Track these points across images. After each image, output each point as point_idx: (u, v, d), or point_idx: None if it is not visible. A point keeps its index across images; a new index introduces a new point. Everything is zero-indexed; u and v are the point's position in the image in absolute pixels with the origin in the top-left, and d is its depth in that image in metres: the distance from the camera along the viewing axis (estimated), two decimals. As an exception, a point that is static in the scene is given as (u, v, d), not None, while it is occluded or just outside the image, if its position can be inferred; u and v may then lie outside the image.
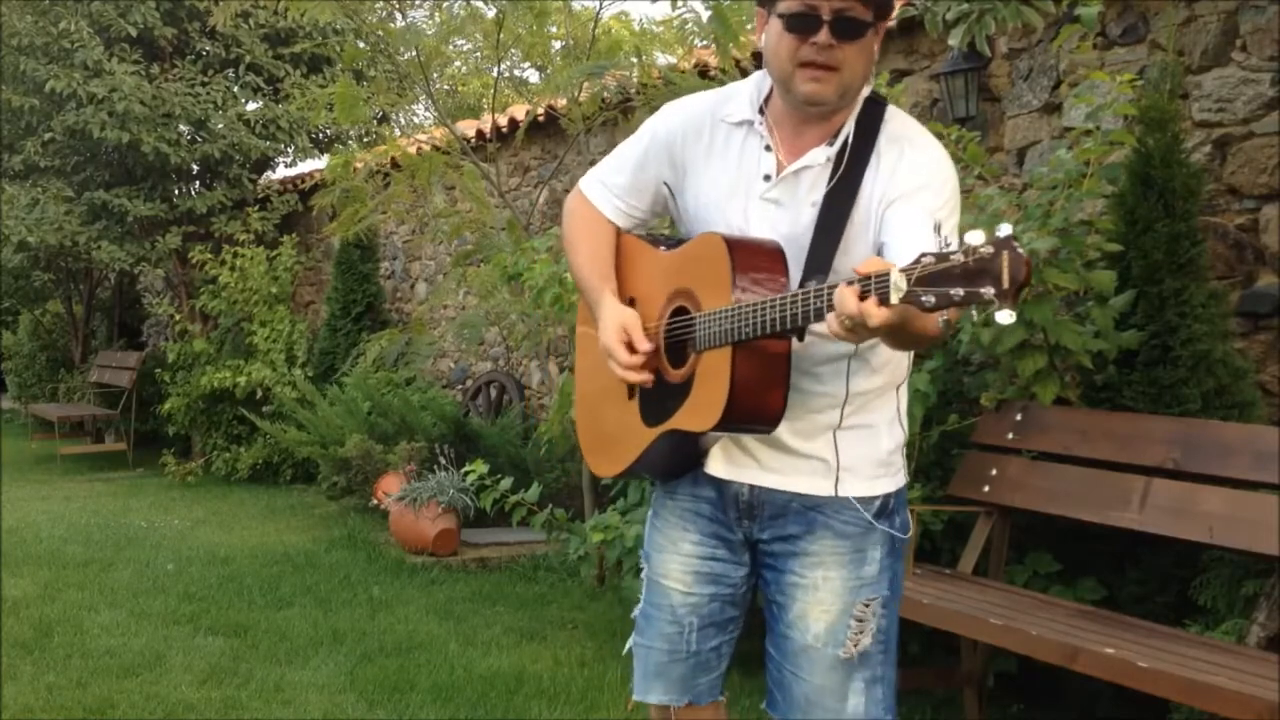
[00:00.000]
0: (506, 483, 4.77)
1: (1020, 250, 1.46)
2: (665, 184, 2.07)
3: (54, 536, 6.74)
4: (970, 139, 3.80)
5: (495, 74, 7.64)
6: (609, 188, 2.13)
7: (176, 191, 9.90)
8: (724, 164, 1.98)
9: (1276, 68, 3.64)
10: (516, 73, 12.88)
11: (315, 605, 5.14)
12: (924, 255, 1.51)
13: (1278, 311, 3.65)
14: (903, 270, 1.51)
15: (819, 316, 1.65)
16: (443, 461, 6.23)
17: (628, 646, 2.18)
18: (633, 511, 4.42)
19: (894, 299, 1.51)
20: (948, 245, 1.51)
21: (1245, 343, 3.68)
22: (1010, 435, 3.56)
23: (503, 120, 7.22)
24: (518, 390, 7.59)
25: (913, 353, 2.07)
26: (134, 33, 9.20)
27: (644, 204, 2.11)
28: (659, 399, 2.00)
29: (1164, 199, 3.40)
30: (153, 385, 10.45)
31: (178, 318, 10.03)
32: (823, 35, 1.80)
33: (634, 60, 5.74)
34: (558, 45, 6.59)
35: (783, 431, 1.92)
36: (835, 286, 1.60)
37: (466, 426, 6.96)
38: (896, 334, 1.62)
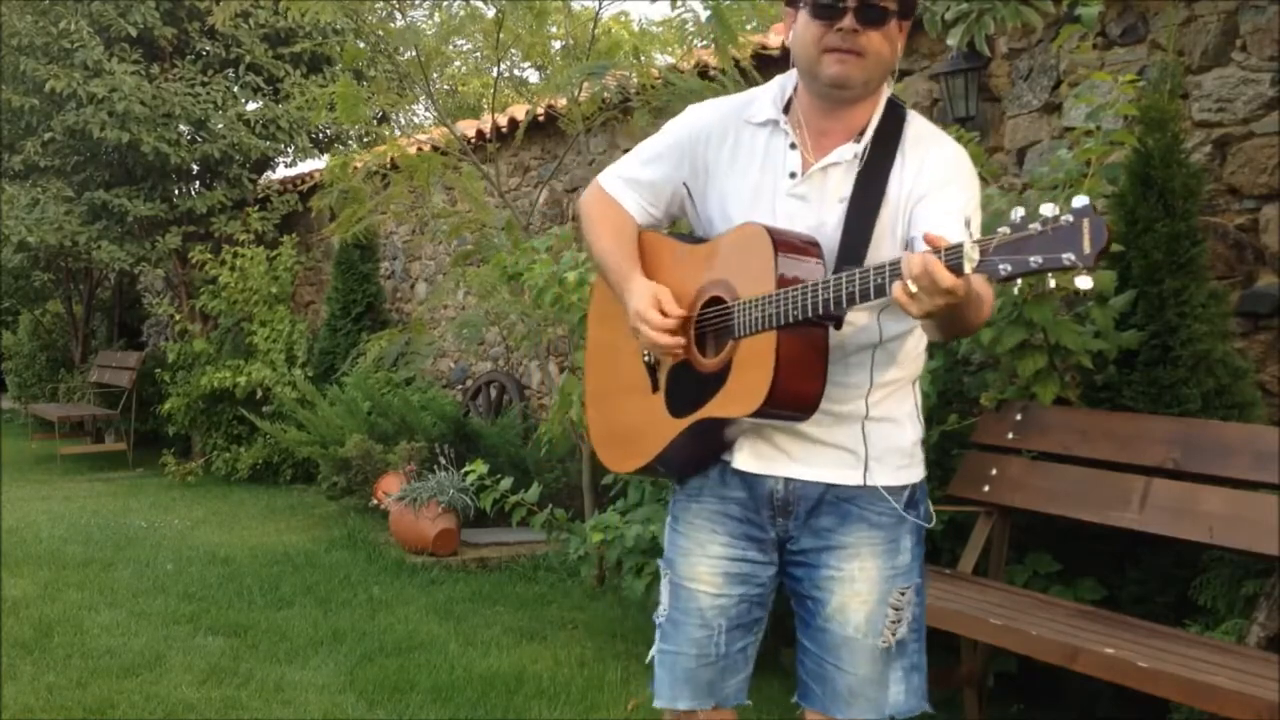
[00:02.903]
0: (506, 483, 4.77)
1: (1100, 218, 1.48)
2: (685, 185, 2.08)
3: (54, 536, 6.74)
4: (970, 139, 3.79)
5: (495, 74, 7.64)
6: (629, 184, 2.13)
7: (176, 191, 9.89)
8: (749, 163, 2.00)
9: (1276, 68, 3.64)
10: (516, 73, 12.89)
11: (315, 605, 5.14)
12: (1000, 228, 1.54)
13: (1278, 311, 3.66)
14: (975, 241, 1.54)
15: (880, 292, 1.68)
16: (443, 461, 6.23)
17: (650, 655, 2.15)
18: (632, 511, 4.41)
19: (967, 269, 1.54)
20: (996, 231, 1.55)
21: (1245, 343, 3.68)
22: (1010, 435, 3.56)
23: (502, 120, 7.22)
24: (518, 390, 7.59)
25: (925, 350, 2.11)
26: (134, 33, 9.20)
27: (662, 204, 2.13)
28: (689, 390, 2.01)
29: (1164, 199, 3.40)
30: (153, 385, 10.45)
31: (178, 318, 10.03)
32: (848, 20, 1.85)
33: (634, 60, 5.74)
34: (557, 45, 6.59)
35: (811, 422, 1.94)
36: (898, 261, 1.63)
37: (466, 426, 6.96)
38: (956, 311, 1.65)
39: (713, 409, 1.96)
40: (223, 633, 4.70)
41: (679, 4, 5.21)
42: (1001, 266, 1.53)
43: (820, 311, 1.78)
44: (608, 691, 3.92)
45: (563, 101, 6.21)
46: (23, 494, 8.56)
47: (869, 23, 1.85)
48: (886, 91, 1.98)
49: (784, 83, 2.03)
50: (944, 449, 3.80)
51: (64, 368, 12.59)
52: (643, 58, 5.77)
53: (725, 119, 2.05)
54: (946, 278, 1.55)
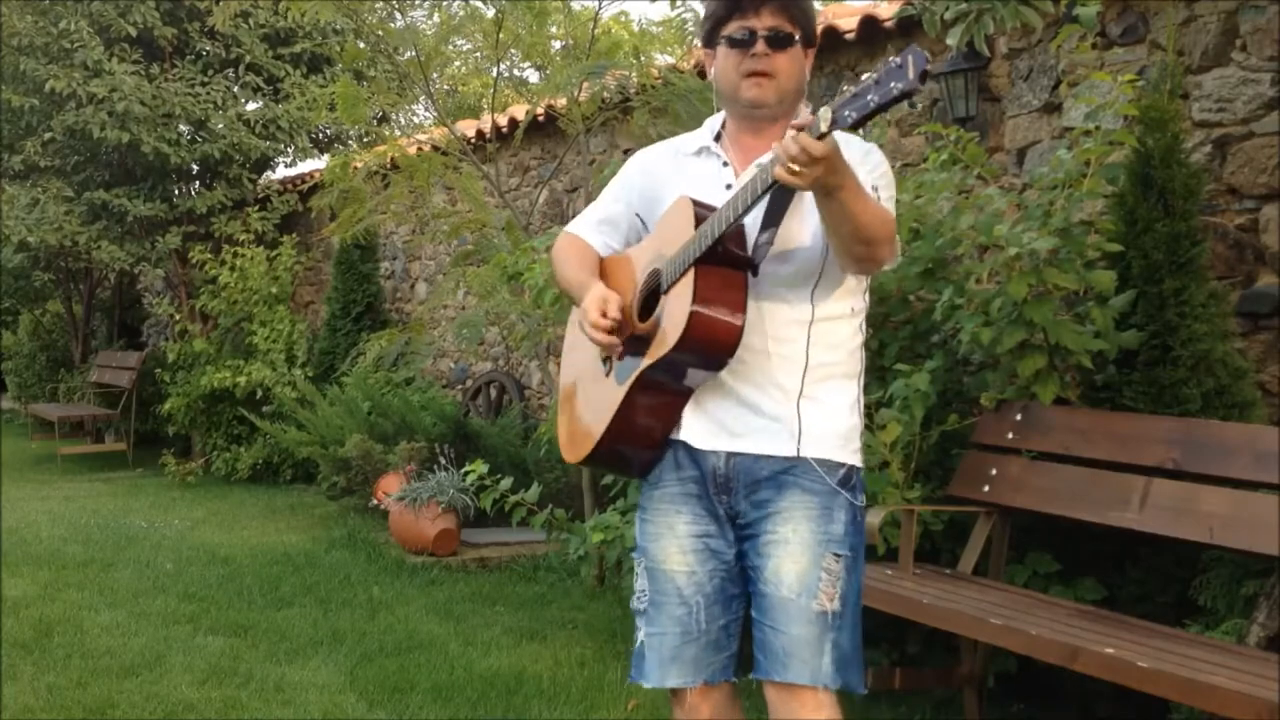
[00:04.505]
0: (506, 483, 4.77)
1: (922, 52, 1.73)
2: (638, 215, 2.33)
3: (54, 536, 6.74)
4: (970, 139, 3.80)
5: (495, 74, 7.64)
6: (590, 224, 2.41)
7: (176, 191, 9.90)
8: (689, 186, 2.22)
9: (1276, 68, 3.64)
10: (516, 73, 12.89)
11: (315, 605, 5.14)
12: (842, 88, 1.82)
13: (1278, 311, 3.66)
14: (827, 105, 1.80)
15: (766, 185, 1.93)
16: (443, 461, 6.23)
17: (639, 640, 2.23)
18: (633, 511, 4.41)
19: (823, 128, 1.80)
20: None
21: (1245, 343, 3.68)
22: (1010, 435, 3.56)
23: (502, 120, 7.22)
24: (518, 390, 7.59)
25: (863, 349, 2.24)
26: (134, 33, 9.20)
27: (620, 236, 2.37)
28: (631, 358, 2.18)
29: (1164, 199, 3.40)
30: (153, 385, 10.45)
31: (178, 318, 10.03)
32: (759, 46, 2.14)
33: (634, 60, 5.74)
34: (557, 45, 6.59)
35: (749, 394, 2.13)
36: (771, 159, 1.89)
37: (466, 426, 6.96)
38: (839, 186, 1.89)
39: (648, 357, 2.12)
40: (223, 633, 4.70)
41: (679, 4, 5.22)
42: (847, 114, 1.77)
43: (725, 227, 1.99)
44: (608, 691, 3.92)
45: (563, 101, 6.21)
46: (23, 494, 8.56)
47: (777, 47, 2.14)
48: (803, 107, 2.21)
49: (712, 123, 2.30)
50: (944, 449, 3.80)
51: (64, 368, 12.59)
52: (643, 58, 5.78)
53: (664, 154, 2.33)
54: (814, 145, 1.81)
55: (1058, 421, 3.47)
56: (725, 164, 2.21)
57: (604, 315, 2.17)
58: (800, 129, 1.83)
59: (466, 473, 4.90)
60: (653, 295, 2.17)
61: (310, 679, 4.09)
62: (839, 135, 2.22)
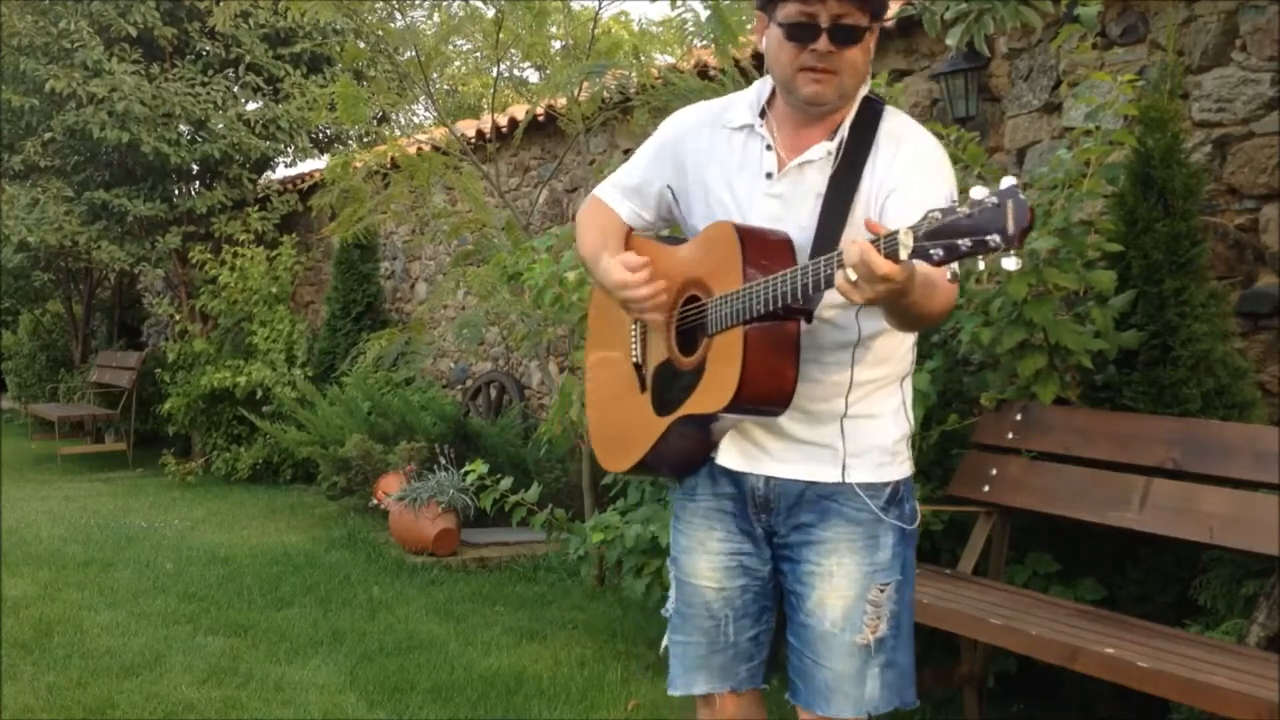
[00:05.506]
0: (506, 483, 4.77)
1: (1023, 198, 1.51)
2: (669, 187, 2.15)
3: (54, 536, 6.74)
4: (970, 139, 3.80)
5: (495, 74, 7.64)
6: (620, 190, 2.22)
7: (176, 191, 9.91)
8: (727, 165, 2.05)
9: (1276, 68, 3.64)
10: (516, 73, 12.89)
11: (315, 605, 5.14)
12: (930, 212, 1.57)
13: (1278, 311, 3.66)
14: (910, 227, 1.57)
15: (829, 283, 1.71)
16: (443, 461, 6.23)
17: (664, 646, 2.22)
18: (632, 511, 4.41)
19: (903, 255, 1.57)
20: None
21: (1245, 343, 3.68)
22: (1010, 435, 3.56)
23: (502, 120, 7.22)
24: (518, 390, 7.59)
25: (914, 348, 2.12)
26: (134, 33, 9.21)
27: (650, 207, 2.20)
28: (671, 388, 2.06)
29: (1164, 199, 3.40)
30: (153, 385, 10.46)
31: (178, 318, 10.03)
32: (822, 42, 1.87)
33: (634, 60, 5.74)
34: (557, 45, 6.59)
35: (790, 420, 1.98)
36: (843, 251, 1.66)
37: (466, 426, 6.96)
38: (903, 298, 1.67)
39: (690, 406, 2.00)
40: (223, 633, 4.70)
41: (679, 4, 5.21)
42: (933, 252, 1.56)
43: (780, 305, 1.81)
44: (608, 691, 3.92)
45: (563, 101, 6.21)
46: (23, 494, 8.56)
47: (842, 43, 1.88)
48: (863, 89, 2.00)
49: (760, 88, 2.07)
50: (944, 449, 3.80)
51: (64, 368, 12.59)
52: (643, 58, 5.77)
53: (704, 123, 2.10)
54: (881, 265, 1.59)
55: (1058, 421, 3.47)
56: (769, 147, 2.00)
57: (632, 270, 2.00)
58: (875, 239, 1.61)
59: (466, 473, 4.90)
60: (696, 325, 2.02)
61: (310, 679, 4.09)
62: (899, 116, 2.01)
